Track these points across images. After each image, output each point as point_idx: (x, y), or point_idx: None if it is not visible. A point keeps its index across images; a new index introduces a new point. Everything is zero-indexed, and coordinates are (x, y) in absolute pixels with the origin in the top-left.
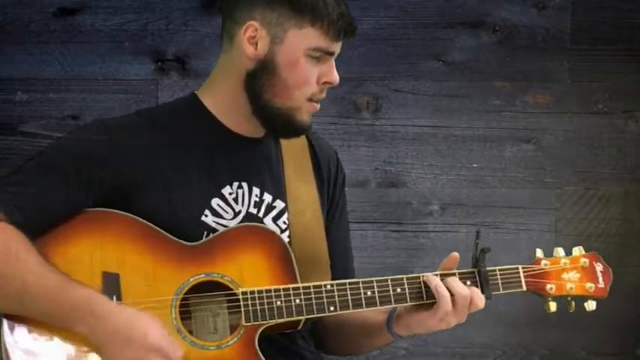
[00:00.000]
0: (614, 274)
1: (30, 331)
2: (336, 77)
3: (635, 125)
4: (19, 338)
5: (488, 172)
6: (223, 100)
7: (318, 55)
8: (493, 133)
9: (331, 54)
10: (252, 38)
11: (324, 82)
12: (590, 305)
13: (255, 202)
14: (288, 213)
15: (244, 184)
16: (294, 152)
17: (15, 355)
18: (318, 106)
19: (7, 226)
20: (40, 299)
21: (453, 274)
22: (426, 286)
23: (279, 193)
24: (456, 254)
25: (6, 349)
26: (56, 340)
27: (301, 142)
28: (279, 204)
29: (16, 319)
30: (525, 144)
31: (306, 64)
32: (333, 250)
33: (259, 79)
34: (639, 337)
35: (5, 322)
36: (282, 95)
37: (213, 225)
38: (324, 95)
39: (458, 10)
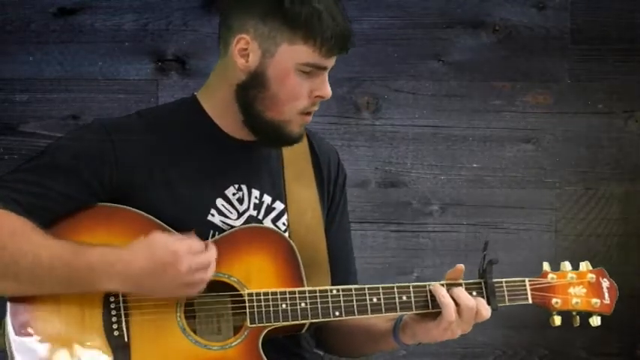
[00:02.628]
0: (614, 274)
1: (33, 323)
2: (328, 92)
3: (635, 125)
4: (23, 330)
5: (488, 172)
6: (219, 105)
7: (309, 70)
8: (493, 133)
9: (324, 69)
10: (243, 50)
11: (316, 96)
12: (595, 321)
13: (255, 204)
14: (287, 214)
15: (244, 187)
16: (294, 153)
17: (18, 347)
18: (309, 118)
19: (9, 212)
20: (56, 269)
21: (460, 285)
22: (432, 296)
23: (279, 194)
24: (461, 266)
25: (9, 341)
26: (59, 331)
27: (301, 142)
28: (279, 205)
29: (20, 310)
30: (525, 144)
31: (297, 79)
32: (335, 251)
33: (250, 92)
34: (639, 337)
35: (9, 314)
36: (272, 108)
37: (220, 224)
38: (316, 108)
39: (458, 10)
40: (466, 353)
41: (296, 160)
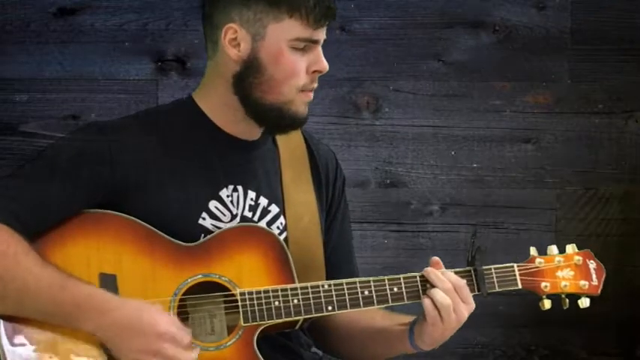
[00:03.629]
0: (613, 274)
1: (28, 333)
2: (324, 64)
3: (635, 125)
4: (17, 340)
5: (488, 172)
6: (217, 103)
7: (303, 46)
8: (493, 133)
9: (316, 42)
10: (233, 40)
11: (314, 71)
12: (584, 302)
13: (250, 205)
14: (284, 218)
15: (239, 188)
16: (292, 156)
17: (12, 357)
18: (311, 95)
19: (4, 228)
20: (41, 299)
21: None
22: (423, 285)
23: (275, 197)
24: (436, 259)
25: (3, 352)
26: (54, 341)
27: (299, 145)
28: (274, 208)
29: (13, 320)
30: (525, 144)
31: (291, 57)
32: (337, 254)
33: (247, 80)
34: (639, 337)
35: (2, 325)
36: (271, 92)
37: (211, 228)
38: (315, 84)
39: (458, 10)
40: (466, 353)
41: (294, 163)
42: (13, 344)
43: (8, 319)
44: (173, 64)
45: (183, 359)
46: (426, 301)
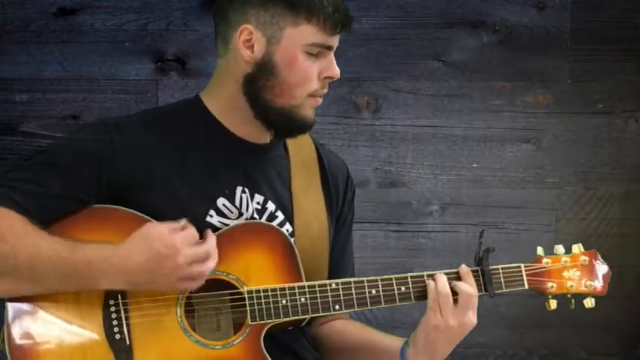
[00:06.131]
0: (614, 274)
1: (33, 328)
2: (336, 71)
3: (635, 125)
4: (23, 337)
5: (488, 172)
6: (225, 105)
7: (317, 52)
8: (493, 133)
9: (330, 48)
10: (247, 41)
11: (325, 77)
12: (590, 303)
13: (257, 209)
14: (290, 225)
15: (246, 190)
16: (302, 164)
17: (19, 354)
18: (320, 100)
19: (8, 211)
20: (53, 263)
21: (456, 273)
22: None
23: (282, 203)
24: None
25: (9, 348)
26: (60, 336)
27: (310, 155)
28: (280, 215)
29: (19, 315)
30: (525, 144)
31: (305, 61)
32: (338, 265)
33: (258, 82)
34: (639, 337)
35: (9, 321)
36: (283, 95)
37: (219, 225)
38: (326, 90)
39: (458, 10)
40: (466, 353)
41: (304, 171)
42: (19, 341)
43: (14, 316)
44: (173, 64)
45: (205, 251)
46: (431, 283)
